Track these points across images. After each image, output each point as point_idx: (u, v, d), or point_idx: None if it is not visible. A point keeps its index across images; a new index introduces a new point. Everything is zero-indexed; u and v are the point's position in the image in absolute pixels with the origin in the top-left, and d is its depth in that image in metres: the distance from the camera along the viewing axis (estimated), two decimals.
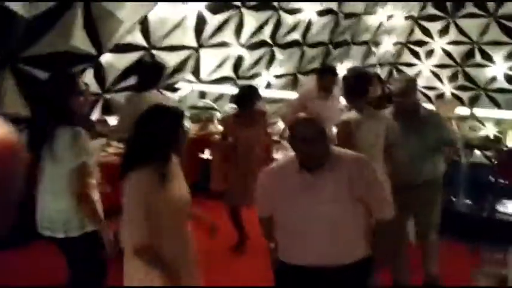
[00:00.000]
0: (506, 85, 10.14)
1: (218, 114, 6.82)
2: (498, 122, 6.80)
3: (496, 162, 4.81)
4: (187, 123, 6.53)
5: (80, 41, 4.52)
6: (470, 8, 9.66)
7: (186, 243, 2.52)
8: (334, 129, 4.21)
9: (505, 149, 4.83)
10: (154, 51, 6.09)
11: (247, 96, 4.63)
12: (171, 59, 6.46)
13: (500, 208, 4.93)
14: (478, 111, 6.46)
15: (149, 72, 4.43)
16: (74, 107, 2.89)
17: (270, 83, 8.28)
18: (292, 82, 8.70)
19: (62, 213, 2.84)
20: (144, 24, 5.59)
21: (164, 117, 2.44)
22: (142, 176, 2.34)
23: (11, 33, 4.05)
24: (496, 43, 9.78)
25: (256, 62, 7.76)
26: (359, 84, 3.64)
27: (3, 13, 3.87)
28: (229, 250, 4.82)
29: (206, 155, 6.32)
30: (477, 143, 5.27)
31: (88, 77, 5.41)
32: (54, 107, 2.83)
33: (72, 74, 3.24)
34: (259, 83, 8.16)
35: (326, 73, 5.28)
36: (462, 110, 5.93)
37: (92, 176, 2.90)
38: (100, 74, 5.60)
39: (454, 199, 5.22)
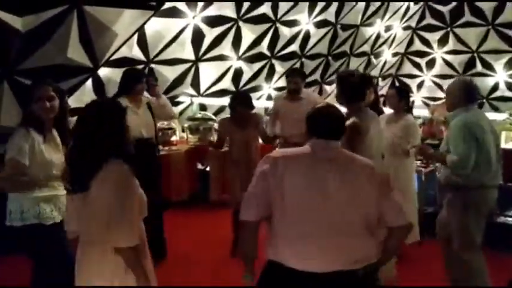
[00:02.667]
0: (507, 93, 10.16)
1: (216, 125, 6.89)
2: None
3: None
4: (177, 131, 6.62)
5: (76, 53, 4.62)
6: (468, 17, 9.73)
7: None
8: None
9: None
10: (153, 65, 6.21)
11: (241, 100, 4.78)
12: (170, 73, 6.58)
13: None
14: None
15: (122, 79, 4.50)
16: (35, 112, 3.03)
17: (271, 96, 8.36)
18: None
19: (18, 202, 2.98)
20: (141, 39, 5.70)
21: (103, 111, 2.35)
22: (122, 168, 2.26)
23: (8, 46, 4.15)
24: (496, 51, 9.82)
25: (256, 75, 7.85)
26: (358, 86, 3.46)
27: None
28: (227, 258, 4.85)
29: (204, 165, 6.38)
30: None
31: (88, 91, 5.54)
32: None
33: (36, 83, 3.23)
34: (260, 95, 8.28)
35: (289, 75, 5.41)
36: None
37: (21, 172, 2.93)
38: (100, 88, 5.71)
39: None
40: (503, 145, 4.87)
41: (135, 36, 5.51)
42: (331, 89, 9.37)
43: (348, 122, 3.15)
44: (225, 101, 7.58)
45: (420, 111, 7.42)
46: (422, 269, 4.47)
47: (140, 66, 5.94)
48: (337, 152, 2.39)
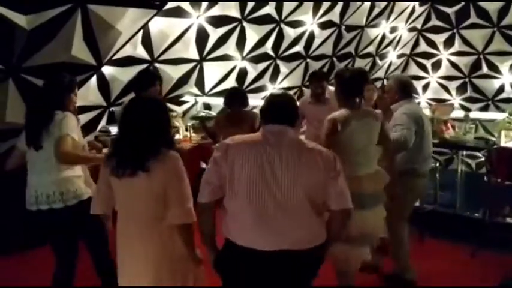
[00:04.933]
0: None
1: None
2: (493, 123, 6.84)
3: (487, 161, 4.84)
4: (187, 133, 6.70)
5: (80, 51, 4.71)
6: (474, 18, 9.72)
7: None
8: None
9: (494, 147, 4.84)
10: (157, 65, 6.28)
11: (236, 97, 4.94)
12: (174, 72, 6.65)
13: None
14: (473, 114, 6.52)
15: (137, 78, 4.61)
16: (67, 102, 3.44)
17: None
18: (298, 95, 8.82)
19: (56, 185, 3.25)
20: (146, 38, 5.78)
21: (149, 106, 2.64)
22: (175, 157, 2.57)
23: (13, 44, 4.25)
24: (502, 53, 9.80)
25: (261, 75, 7.90)
26: (354, 82, 3.51)
27: (5, 26, 4.07)
28: None
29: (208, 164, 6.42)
30: (472, 144, 5.28)
31: (93, 89, 5.62)
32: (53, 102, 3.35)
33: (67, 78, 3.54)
34: (265, 95, 8.33)
35: (311, 79, 5.59)
36: (457, 113, 6.01)
37: (76, 150, 3.27)
38: (104, 86, 5.80)
39: None
40: (503, 143, 4.90)
41: (140, 36, 5.59)
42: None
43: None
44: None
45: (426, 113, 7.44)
46: (421, 266, 4.49)
47: (144, 66, 6.01)
48: (287, 136, 2.53)
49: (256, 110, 7.68)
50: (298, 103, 2.77)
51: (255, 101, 7.89)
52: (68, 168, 3.29)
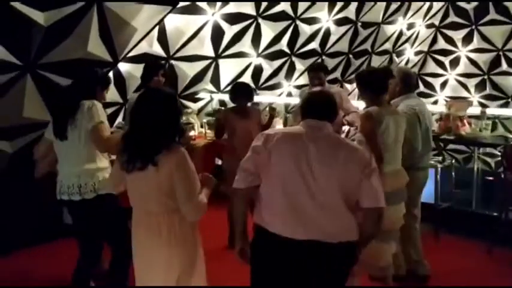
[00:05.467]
0: None
1: None
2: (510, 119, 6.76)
3: (503, 158, 4.78)
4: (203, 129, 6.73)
5: (96, 48, 4.77)
6: (493, 14, 9.59)
7: None
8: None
9: (511, 143, 4.78)
10: (173, 62, 6.33)
11: (241, 91, 5.07)
12: (190, 70, 6.69)
13: None
14: (490, 110, 6.44)
15: (142, 71, 4.71)
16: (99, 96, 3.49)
17: (291, 93, 8.42)
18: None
19: (76, 177, 3.27)
20: (162, 35, 5.83)
21: (160, 98, 2.63)
22: (181, 151, 2.57)
23: (30, 41, 4.32)
24: None
25: (276, 72, 7.90)
26: (380, 80, 3.59)
27: (22, 22, 4.14)
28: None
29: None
30: (489, 141, 5.22)
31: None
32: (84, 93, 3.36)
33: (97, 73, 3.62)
34: (281, 92, 8.34)
35: (309, 71, 5.60)
36: (474, 110, 5.94)
37: (109, 135, 3.27)
38: (121, 83, 5.87)
39: None
40: None
41: (155, 32, 5.64)
42: (352, 87, 9.36)
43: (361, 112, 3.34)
44: None
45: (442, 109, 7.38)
46: (436, 263, 4.47)
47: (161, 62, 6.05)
48: (325, 131, 2.59)
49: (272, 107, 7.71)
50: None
51: (271, 98, 7.91)
52: (91, 160, 3.30)
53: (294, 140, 2.52)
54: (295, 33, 7.44)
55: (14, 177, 4.88)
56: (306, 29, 7.52)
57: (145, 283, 2.70)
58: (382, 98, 3.57)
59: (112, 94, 5.81)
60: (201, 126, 6.87)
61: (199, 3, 5.81)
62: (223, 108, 6.88)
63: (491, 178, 5.96)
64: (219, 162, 6.50)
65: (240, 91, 5.09)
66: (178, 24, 5.89)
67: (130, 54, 5.39)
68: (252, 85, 7.65)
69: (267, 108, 7.74)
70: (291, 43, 7.57)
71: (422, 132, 3.97)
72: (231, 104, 7.51)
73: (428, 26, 10.23)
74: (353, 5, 7.70)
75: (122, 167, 2.64)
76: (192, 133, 6.55)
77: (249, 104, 5.21)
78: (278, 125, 7.17)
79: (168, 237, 2.60)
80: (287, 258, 2.48)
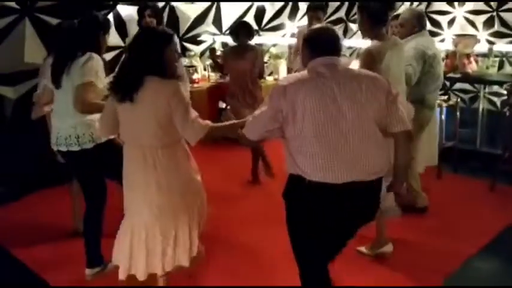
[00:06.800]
0: None
1: None
2: None
3: (509, 95, 4.73)
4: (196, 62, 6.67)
5: None
6: None
7: None
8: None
9: None
10: (173, 3, 6.21)
11: (242, 28, 5.07)
12: (191, 12, 6.56)
13: None
14: (497, 47, 6.32)
15: None
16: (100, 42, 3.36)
17: (295, 34, 8.25)
18: None
19: (73, 128, 3.23)
20: None
21: (150, 36, 2.67)
22: (175, 82, 2.63)
23: None
24: None
25: (279, 13, 7.74)
26: (379, 10, 3.46)
27: None
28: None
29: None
30: (495, 79, 5.15)
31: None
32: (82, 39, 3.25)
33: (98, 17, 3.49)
34: (284, 33, 8.19)
35: (310, 10, 5.43)
36: (482, 47, 5.83)
37: (98, 97, 3.15)
38: (121, 26, 5.77)
39: None
40: None
41: None
42: (356, 27, 9.17)
43: (362, 49, 3.31)
44: None
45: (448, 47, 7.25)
46: (439, 201, 4.54)
47: (161, 4, 5.93)
48: (340, 66, 2.48)
49: (275, 49, 7.61)
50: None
51: (275, 39, 7.79)
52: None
53: (312, 83, 2.39)
54: None
55: (19, 123, 4.89)
56: None
57: (136, 209, 2.75)
58: (381, 30, 3.48)
59: (114, 38, 5.73)
60: (204, 69, 6.81)
61: None
62: (215, 47, 6.80)
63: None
64: (223, 105, 6.51)
65: (239, 28, 5.10)
66: None
67: None
68: (255, 26, 7.53)
69: (271, 49, 7.69)
70: None
71: (424, 70, 4.01)
72: None
73: None
74: None
75: (114, 100, 2.69)
76: (195, 76, 6.50)
77: (250, 43, 5.16)
78: (281, 66, 7.11)
79: (161, 169, 2.66)
80: (327, 203, 2.43)
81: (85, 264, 3.44)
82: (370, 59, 3.34)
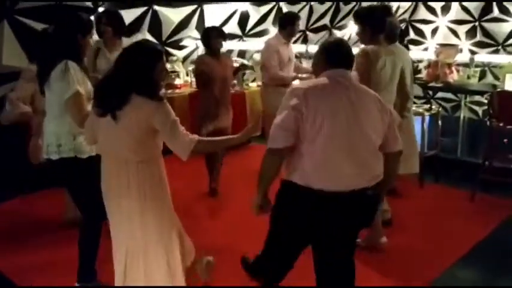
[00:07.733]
0: None
1: None
2: (498, 67, 6.71)
3: (489, 105, 4.76)
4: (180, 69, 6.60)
5: None
6: None
7: None
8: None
9: (498, 90, 4.75)
10: (156, 7, 6.15)
11: (213, 30, 5.04)
12: (174, 16, 6.50)
13: None
14: (479, 57, 6.38)
15: None
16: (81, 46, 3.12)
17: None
18: (302, 39, 8.65)
19: (55, 136, 3.08)
20: None
21: (141, 53, 2.55)
22: (155, 105, 2.50)
23: None
24: None
25: (263, 18, 7.72)
26: (381, 20, 3.57)
27: None
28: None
29: None
30: (476, 88, 5.19)
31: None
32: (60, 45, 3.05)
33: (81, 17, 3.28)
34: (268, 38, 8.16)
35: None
36: (463, 57, 5.87)
37: (86, 103, 3.00)
38: None
39: None
40: (507, 87, 4.82)
41: None
42: (341, 34, 9.20)
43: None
44: (232, 45, 7.53)
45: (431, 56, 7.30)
46: (421, 211, 4.54)
47: (143, 9, 5.87)
48: (352, 80, 2.61)
49: (258, 55, 7.58)
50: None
51: (258, 45, 7.76)
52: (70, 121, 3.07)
53: (336, 91, 2.49)
54: None
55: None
56: None
57: (122, 235, 2.70)
58: (380, 36, 3.57)
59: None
60: (187, 75, 6.76)
61: None
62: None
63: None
64: None
65: (212, 30, 5.01)
66: None
67: None
68: (239, 32, 7.51)
69: (253, 56, 7.66)
70: None
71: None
72: None
73: None
74: None
75: (95, 113, 2.61)
76: (177, 81, 6.44)
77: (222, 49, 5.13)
78: None
79: (137, 190, 2.59)
80: (327, 211, 2.48)
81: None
82: (365, 59, 3.44)
